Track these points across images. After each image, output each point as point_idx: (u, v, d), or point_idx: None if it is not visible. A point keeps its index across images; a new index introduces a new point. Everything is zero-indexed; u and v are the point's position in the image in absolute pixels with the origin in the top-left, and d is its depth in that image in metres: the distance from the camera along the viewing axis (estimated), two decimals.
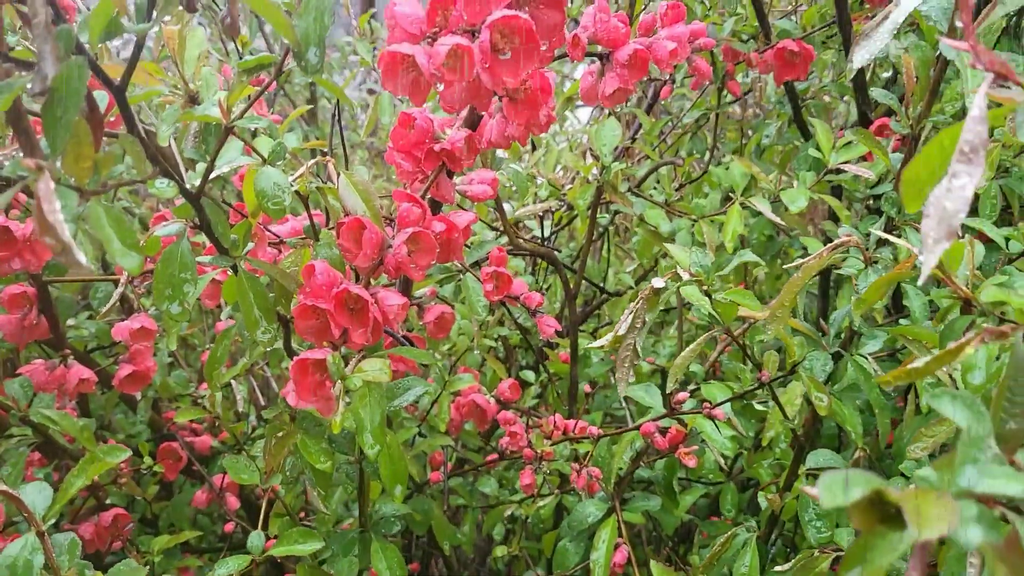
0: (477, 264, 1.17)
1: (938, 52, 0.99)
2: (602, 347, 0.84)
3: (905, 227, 0.94)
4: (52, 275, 1.09)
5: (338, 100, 1.33)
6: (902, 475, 0.94)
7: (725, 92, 1.47)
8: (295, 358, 0.65)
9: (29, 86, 0.49)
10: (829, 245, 0.82)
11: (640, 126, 1.49)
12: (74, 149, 0.48)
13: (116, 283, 1.22)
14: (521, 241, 1.32)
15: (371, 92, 2.58)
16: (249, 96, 0.67)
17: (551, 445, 1.07)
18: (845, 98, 1.77)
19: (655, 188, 1.44)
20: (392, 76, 0.64)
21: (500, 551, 1.26)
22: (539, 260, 1.72)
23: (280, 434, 0.80)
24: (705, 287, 0.82)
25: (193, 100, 0.68)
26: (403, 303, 0.74)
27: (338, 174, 0.82)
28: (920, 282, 0.60)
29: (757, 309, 0.86)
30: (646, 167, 1.45)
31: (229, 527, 1.28)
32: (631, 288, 1.67)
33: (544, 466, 1.06)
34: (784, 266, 0.96)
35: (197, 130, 0.71)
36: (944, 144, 0.47)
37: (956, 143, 0.46)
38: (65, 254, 0.43)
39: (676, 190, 1.36)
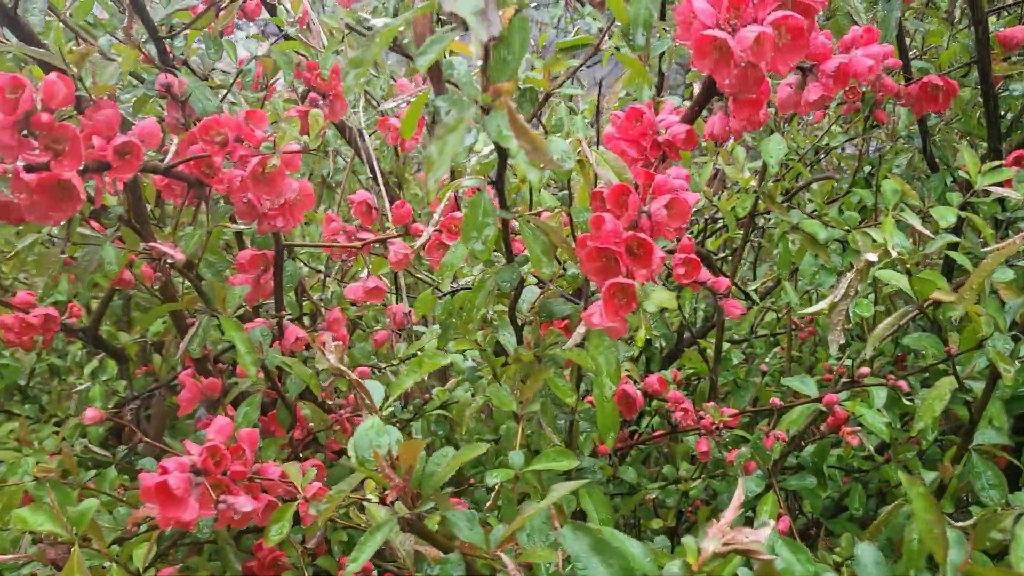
0: None
1: None
2: (820, 311, 0.95)
3: None
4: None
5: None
6: None
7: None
8: (608, 282, 0.77)
9: (459, 35, 0.63)
10: (1021, 234, 0.94)
11: None
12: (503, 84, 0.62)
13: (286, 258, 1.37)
14: None
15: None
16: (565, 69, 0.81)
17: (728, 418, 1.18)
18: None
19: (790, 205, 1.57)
20: (702, 56, 0.77)
21: (656, 523, 1.36)
22: None
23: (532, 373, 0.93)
24: (907, 265, 0.94)
25: None
26: (662, 257, 0.87)
27: (591, 152, 0.96)
28: None
29: (947, 291, 0.97)
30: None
31: None
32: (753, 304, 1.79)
33: (723, 435, 1.18)
34: (984, 248, 1.07)
35: (515, 96, 0.85)
36: None
37: None
38: (537, 150, 0.56)
39: (827, 204, 1.48)
